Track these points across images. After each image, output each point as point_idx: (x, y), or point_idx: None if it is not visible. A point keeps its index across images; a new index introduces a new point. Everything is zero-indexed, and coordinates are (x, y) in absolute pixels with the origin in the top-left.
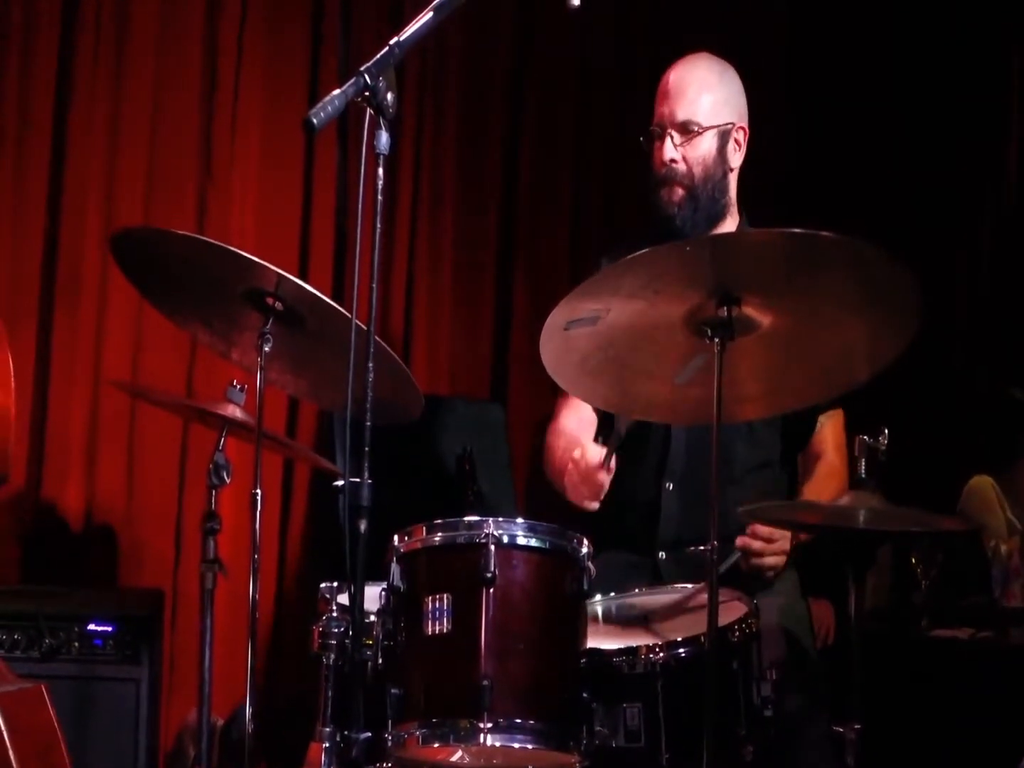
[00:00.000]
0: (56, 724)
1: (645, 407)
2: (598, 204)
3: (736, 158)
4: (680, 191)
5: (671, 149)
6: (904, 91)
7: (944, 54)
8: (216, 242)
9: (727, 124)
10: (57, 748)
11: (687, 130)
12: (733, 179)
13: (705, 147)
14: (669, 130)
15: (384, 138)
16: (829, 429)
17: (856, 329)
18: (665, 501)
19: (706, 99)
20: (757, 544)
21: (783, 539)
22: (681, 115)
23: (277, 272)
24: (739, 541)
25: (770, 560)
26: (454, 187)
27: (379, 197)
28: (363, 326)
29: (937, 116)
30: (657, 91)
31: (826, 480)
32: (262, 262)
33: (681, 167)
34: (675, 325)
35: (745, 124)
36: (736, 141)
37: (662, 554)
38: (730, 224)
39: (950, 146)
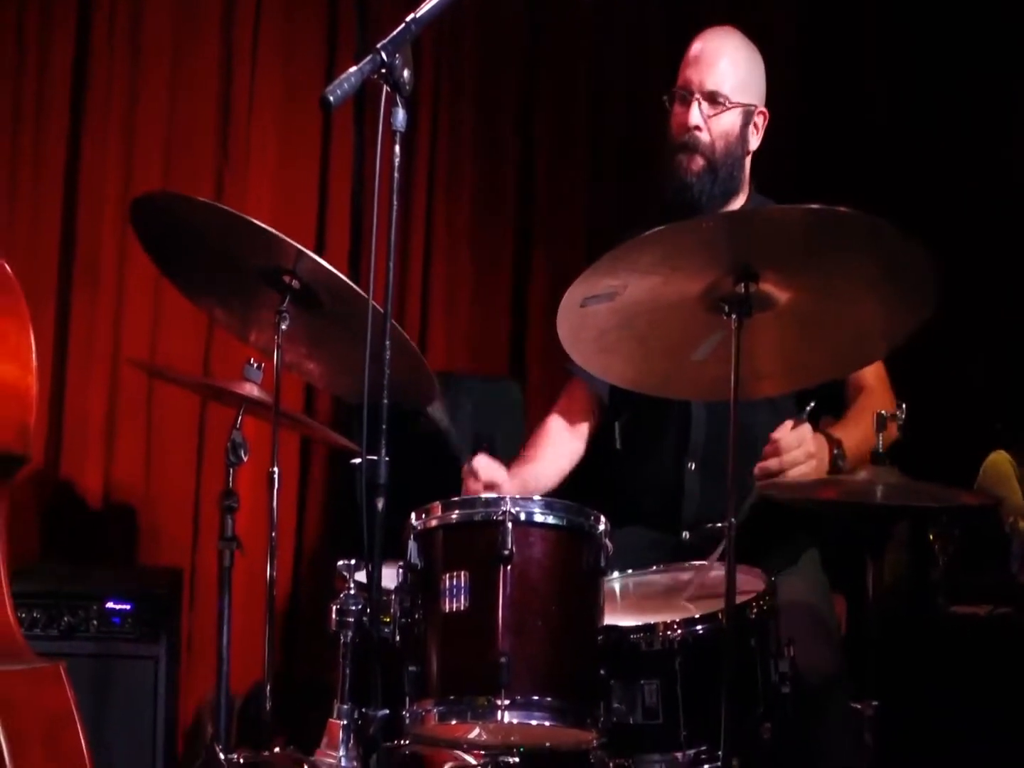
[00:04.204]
0: (73, 706)
1: (662, 383)
2: (616, 178)
3: (754, 141)
4: (700, 160)
5: (697, 115)
6: (916, 63)
7: (955, 27)
8: (235, 211)
9: (751, 105)
10: (71, 730)
11: (715, 100)
12: (748, 162)
13: (729, 122)
14: (696, 96)
15: (400, 115)
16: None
17: (874, 305)
18: (688, 481)
19: (736, 74)
20: (774, 463)
21: (803, 443)
22: (711, 84)
23: (295, 246)
24: (757, 469)
25: (802, 468)
26: (471, 164)
27: (396, 175)
28: (380, 308)
29: (949, 89)
30: (686, 55)
31: (865, 409)
32: (280, 235)
33: (705, 136)
34: (692, 302)
35: (765, 110)
36: (755, 124)
37: (686, 534)
38: (742, 199)
39: (961, 124)
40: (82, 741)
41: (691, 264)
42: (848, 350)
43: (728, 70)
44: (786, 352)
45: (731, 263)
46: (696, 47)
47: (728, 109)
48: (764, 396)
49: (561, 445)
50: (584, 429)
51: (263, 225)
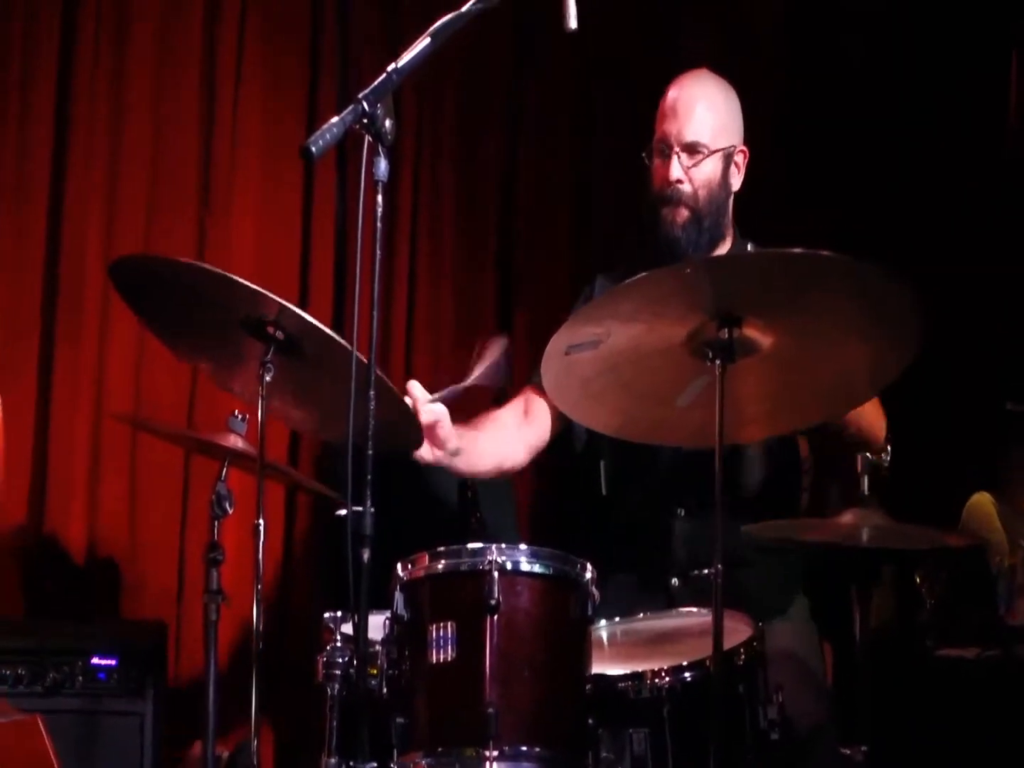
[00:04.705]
0: (53, 756)
1: (648, 430)
2: (598, 225)
3: (736, 181)
4: (685, 212)
5: (678, 169)
6: (903, 81)
7: (943, 45)
8: (217, 270)
9: (730, 147)
10: None
11: (695, 151)
12: (731, 203)
13: (710, 170)
14: (676, 149)
15: (383, 165)
16: None
17: (858, 348)
18: (677, 527)
19: (713, 120)
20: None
21: None
22: (689, 135)
23: (279, 302)
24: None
25: None
26: (453, 211)
27: (378, 224)
28: (364, 359)
29: (936, 108)
30: (661, 106)
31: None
32: (263, 291)
33: (687, 188)
34: (676, 347)
35: (745, 146)
36: (736, 164)
37: (675, 580)
38: (728, 243)
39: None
40: None
41: (674, 310)
42: (834, 393)
43: (704, 117)
44: (771, 396)
45: (713, 308)
46: (671, 98)
47: (708, 156)
48: (750, 440)
49: (525, 425)
50: (546, 425)
51: (245, 282)
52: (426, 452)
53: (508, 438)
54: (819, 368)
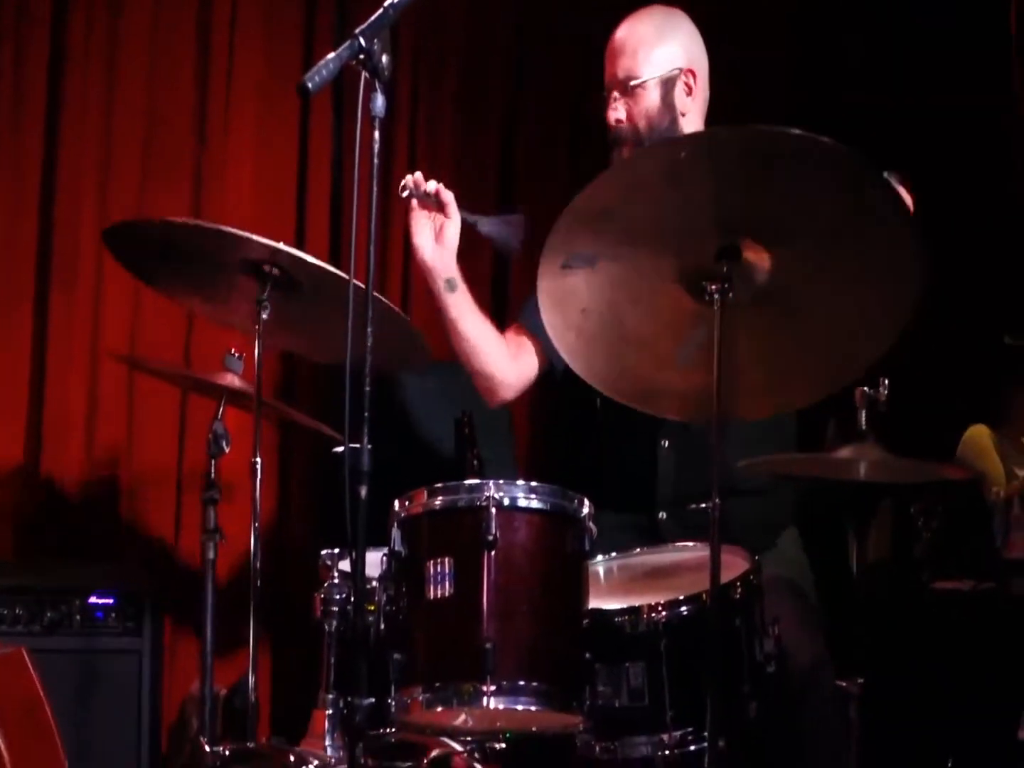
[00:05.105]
0: (39, 686)
1: (642, 396)
2: (598, 161)
3: (688, 102)
4: (626, 151)
5: (614, 112)
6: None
7: (945, 41)
8: (209, 224)
9: (671, 71)
10: (41, 709)
11: (627, 87)
12: (691, 123)
13: (646, 99)
14: (613, 92)
15: (379, 101)
16: None
17: (859, 292)
18: (661, 460)
19: (643, 52)
20: None
21: None
22: (620, 74)
23: (272, 245)
24: None
25: None
26: (451, 147)
27: (375, 160)
28: (361, 285)
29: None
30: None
31: None
32: (256, 237)
33: (625, 126)
34: (673, 286)
35: (697, 67)
36: (686, 85)
37: (662, 514)
38: None
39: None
40: (51, 722)
41: (669, 212)
42: (835, 357)
43: (632, 51)
44: (772, 363)
45: (712, 220)
46: (608, 44)
47: (642, 86)
48: (751, 419)
49: (516, 359)
50: (534, 363)
51: (237, 231)
52: (427, 243)
53: (502, 353)
54: (818, 324)
